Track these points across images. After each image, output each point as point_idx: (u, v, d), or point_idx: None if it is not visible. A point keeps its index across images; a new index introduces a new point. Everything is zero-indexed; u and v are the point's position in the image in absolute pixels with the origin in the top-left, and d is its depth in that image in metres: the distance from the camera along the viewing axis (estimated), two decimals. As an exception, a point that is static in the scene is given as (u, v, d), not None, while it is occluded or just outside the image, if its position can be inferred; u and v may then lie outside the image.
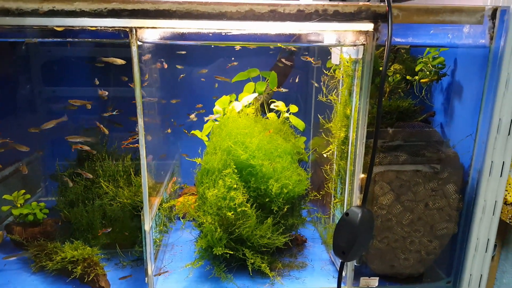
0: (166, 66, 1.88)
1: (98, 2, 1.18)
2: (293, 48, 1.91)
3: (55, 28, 1.25)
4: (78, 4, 1.18)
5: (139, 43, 1.28)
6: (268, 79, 1.99)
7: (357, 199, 1.45)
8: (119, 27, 1.22)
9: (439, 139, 1.52)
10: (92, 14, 1.19)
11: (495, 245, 1.58)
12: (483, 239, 1.49)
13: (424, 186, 1.46)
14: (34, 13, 1.18)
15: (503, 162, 1.40)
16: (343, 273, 1.55)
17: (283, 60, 2.22)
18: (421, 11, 1.28)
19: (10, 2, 1.16)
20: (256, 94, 1.83)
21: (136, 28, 1.23)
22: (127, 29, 1.23)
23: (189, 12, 1.21)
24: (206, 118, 1.84)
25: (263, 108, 1.99)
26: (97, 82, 1.63)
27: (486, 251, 1.51)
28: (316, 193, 1.76)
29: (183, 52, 2.02)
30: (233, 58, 2.13)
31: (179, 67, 1.99)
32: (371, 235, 1.27)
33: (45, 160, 2.21)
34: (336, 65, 1.62)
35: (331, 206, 1.72)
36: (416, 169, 1.45)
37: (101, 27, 1.21)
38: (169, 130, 1.86)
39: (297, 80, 2.05)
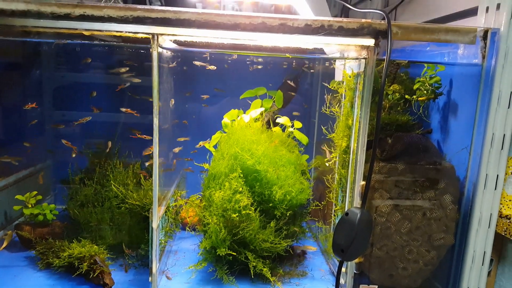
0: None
1: (125, 9, 1.31)
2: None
3: (83, 32, 1.38)
4: (106, 10, 1.30)
5: (160, 49, 1.39)
6: (274, 98, 2.10)
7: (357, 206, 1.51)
8: (143, 32, 1.34)
9: (436, 151, 1.60)
10: (119, 20, 1.31)
11: (492, 260, 1.62)
12: (480, 251, 1.53)
13: (422, 196, 1.52)
14: (66, 17, 1.30)
15: (497, 175, 1.47)
16: (342, 281, 1.58)
17: (288, 81, 2.35)
18: (419, 29, 1.40)
19: (46, 6, 1.29)
20: (263, 108, 1.93)
21: (158, 34, 1.35)
22: (150, 35, 1.35)
23: (207, 22, 1.33)
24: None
25: (269, 126, 2.08)
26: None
27: (482, 264, 1.55)
28: (318, 203, 1.82)
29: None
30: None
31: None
32: (369, 236, 1.32)
33: (56, 168, 2.30)
34: (339, 81, 1.73)
35: (332, 215, 1.77)
36: (414, 178, 1.52)
37: (126, 32, 1.34)
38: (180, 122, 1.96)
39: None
